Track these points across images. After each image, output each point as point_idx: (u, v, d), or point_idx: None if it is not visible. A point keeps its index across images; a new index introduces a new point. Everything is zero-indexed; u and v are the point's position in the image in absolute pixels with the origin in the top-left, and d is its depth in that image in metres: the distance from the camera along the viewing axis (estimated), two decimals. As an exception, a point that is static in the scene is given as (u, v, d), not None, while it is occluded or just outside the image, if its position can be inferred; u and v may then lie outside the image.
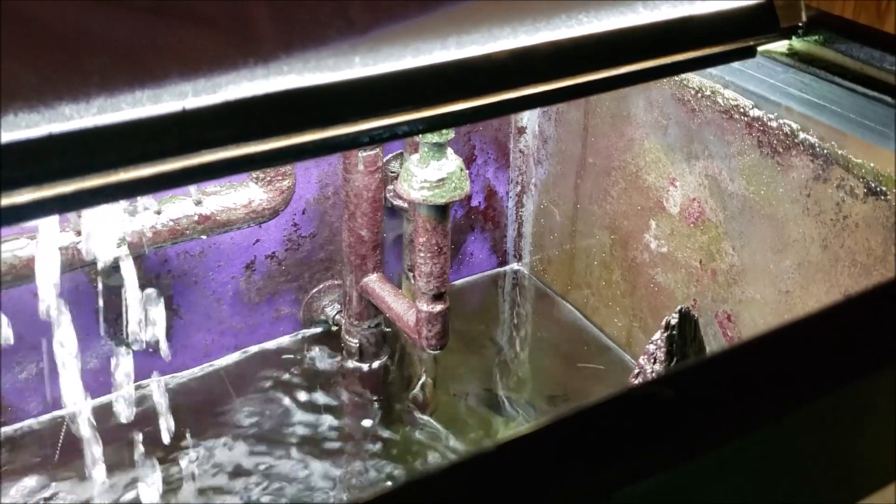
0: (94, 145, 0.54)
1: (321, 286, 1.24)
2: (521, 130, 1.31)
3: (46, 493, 1.04)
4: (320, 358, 1.23)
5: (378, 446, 1.11)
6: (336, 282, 1.23)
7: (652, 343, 0.81)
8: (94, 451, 0.91)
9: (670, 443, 0.37)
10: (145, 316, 0.89)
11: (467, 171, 0.99)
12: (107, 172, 0.54)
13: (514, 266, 1.40)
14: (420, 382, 1.17)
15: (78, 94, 0.53)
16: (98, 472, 0.91)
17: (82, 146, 0.53)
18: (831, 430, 0.42)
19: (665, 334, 0.80)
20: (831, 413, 0.41)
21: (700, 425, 0.38)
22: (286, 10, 0.60)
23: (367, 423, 1.15)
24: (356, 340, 1.20)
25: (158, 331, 0.87)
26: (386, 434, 1.13)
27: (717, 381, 0.40)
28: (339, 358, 1.22)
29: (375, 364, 1.21)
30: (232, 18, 0.58)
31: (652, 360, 0.81)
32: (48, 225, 0.79)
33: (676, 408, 0.38)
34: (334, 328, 1.24)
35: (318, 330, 1.26)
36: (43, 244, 0.79)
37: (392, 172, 1.16)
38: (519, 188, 1.35)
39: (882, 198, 0.81)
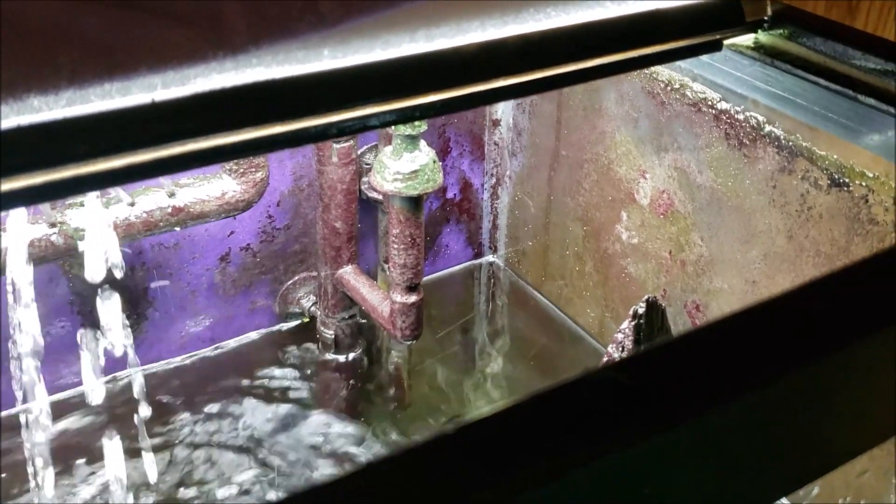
0: (63, 137, 0.54)
1: (296, 278, 1.24)
2: (496, 123, 1.32)
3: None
4: (296, 349, 1.24)
5: (353, 437, 1.12)
6: (311, 273, 1.24)
7: (620, 332, 0.82)
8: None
9: (630, 423, 0.38)
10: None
11: (441, 164, 1.00)
12: (75, 164, 0.54)
13: (490, 258, 1.41)
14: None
15: (47, 87, 0.53)
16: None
17: (51, 138, 0.53)
18: (794, 408, 0.43)
19: (632, 323, 0.81)
20: (794, 391, 0.43)
21: (660, 406, 0.39)
22: (256, 3, 0.60)
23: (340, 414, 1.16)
24: (331, 332, 1.21)
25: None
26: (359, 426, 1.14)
27: (677, 363, 0.41)
28: (314, 349, 1.23)
29: (351, 355, 1.22)
30: (202, 12, 0.59)
31: (620, 349, 0.82)
32: (16, 216, 0.79)
33: (636, 389, 0.39)
34: (305, 320, 1.25)
35: (294, 322, 1.26)
36: (11, 235, 0.79)
37: (367, 164, 1.17)
38: (494, 180, 1.36)
39: (845, 189, 0.83)
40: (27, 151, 0.53)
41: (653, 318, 0.82)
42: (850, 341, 0.43)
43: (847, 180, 0.83)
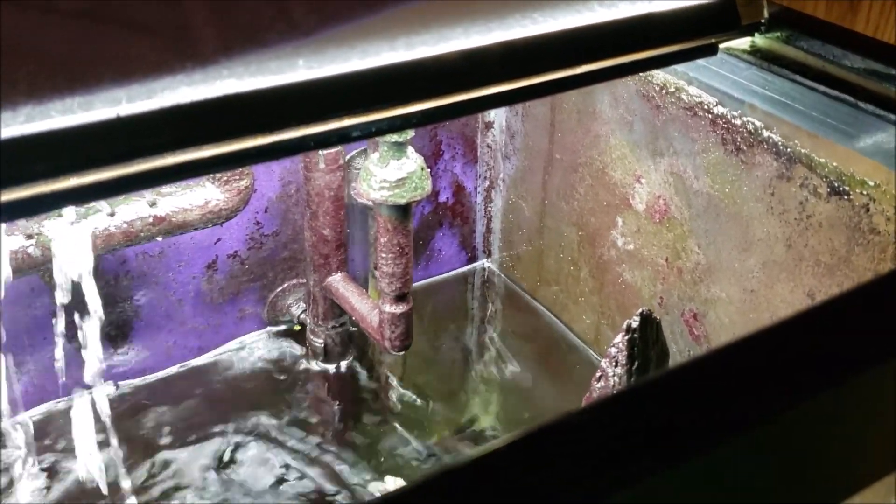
0: (22, 155, 0.51)
1: (285, 285, 1.22)
2: (489, 125, 1.29)
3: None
4: (285, 358, 1.21)
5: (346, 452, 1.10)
6: (301, 280, 1.21)
7: (613, 346, 0.80)
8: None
9: (626, 464, 0.36)
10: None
11: (432, 167, 0.98)
12: (35, 183, 0.52)
13: (484, 262, 1.38)
14: None
15: (4, 103, 0.51)
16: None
17: (9, 156, 0.51)
18: (811, 433, 0.41)
19: (626, 338, 0.79)
20: (812, 416, 0.41)
21: (658, 444, 0.37)
22: (226, 13, 0.58)
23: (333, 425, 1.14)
24: (321, 340, 1.18)
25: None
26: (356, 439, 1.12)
27: (675, 399, 0.39)
28: (304, 358, 1.20)
29: (342, 364, 1.19)
30: (168, 22, 0.56)
31: (614, 364, 0.80)
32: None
33: (631, 428, 0.37)
34: (297, 328, 1.22)
35: (283, 328, 1.24)
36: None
37: (356, 169, 1.14)
38: (487, 183, 1.34)
39: (845, 198, 0.80)
40: (-17, 171, 0.50)
41: (647, 332, 0.79)
42: (850, 376, 0.41)
43: (847, 188, 0.80)
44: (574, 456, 0.35)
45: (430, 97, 0.63)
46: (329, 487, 1.04)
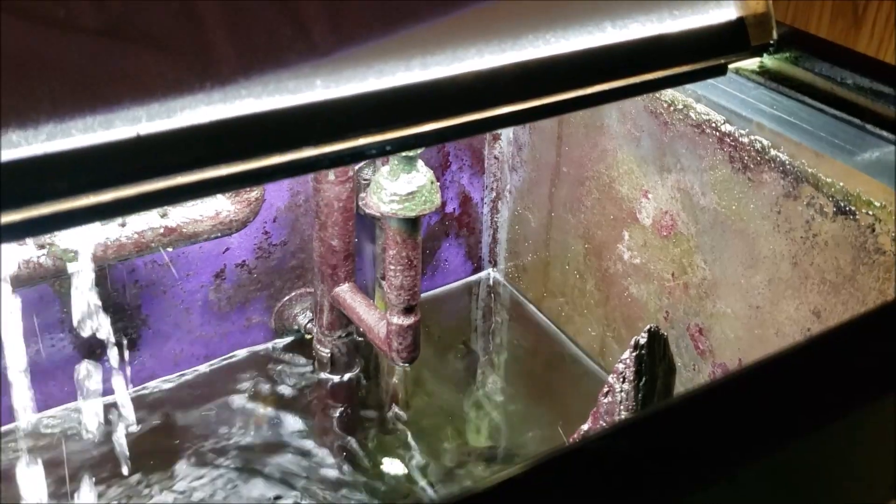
0: (44, 173, 0.52)
1: (293, 294, 1.22)
2: (496, 137, 1.30)
3: None
4: (291, 367, 1.22)
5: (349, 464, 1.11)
6: (308, 290, 1.22)
7: (621, 362, 0.80)
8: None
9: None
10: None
11: (440, 178, 0.98)
12: (56, 201, 0.52)
13: (489, 273, 1.39)
14: None
15: (26, 121, 0.52)
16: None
17: (31, 174, 0.52)
18: (822, 460, 0.42)
19: (634, 354, 0.79)
20: (824, 441, 0.41)
21: (661, 477, 0.37)
22: (244, 32, 0.58)
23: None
24: (328, 350, 1.19)
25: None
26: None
27: (682, 429, 0.39)
28: (310, 368, 1.21)
29: (347, 375, 1.20)
30: (187, 41, 0.57)
31: (621, 380, 0.80)
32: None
33: (634, 459, 0.38)
34: (308, 336, 1.23)
35: (290, 339, 1.24)
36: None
37: (365, 180, 1.15)
38: (494, 194, 1.34)
39: (851, 217, 0.81)
40: (4, 188, 0.51)
41: (655, 348, 0.80)
42: (860, 403, 0.42)
43: (853, 208, 0.81)
44: (587, 483, 0.36)
45: (445, 116, 0.64)
46: (330, 493, 1.05)
